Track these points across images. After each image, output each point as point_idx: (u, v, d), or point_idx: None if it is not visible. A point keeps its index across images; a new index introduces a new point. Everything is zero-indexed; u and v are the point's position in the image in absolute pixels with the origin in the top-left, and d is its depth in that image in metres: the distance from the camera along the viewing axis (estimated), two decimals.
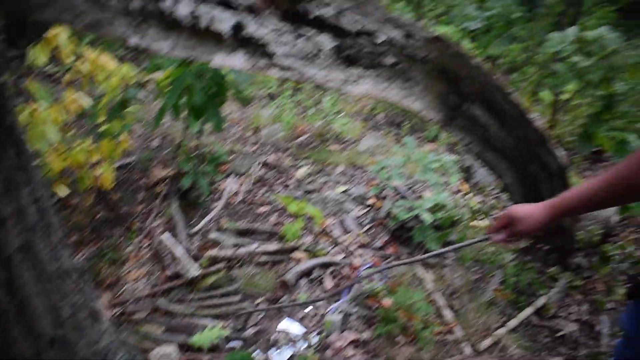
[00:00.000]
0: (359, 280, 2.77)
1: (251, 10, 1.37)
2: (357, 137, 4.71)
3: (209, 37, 1.30)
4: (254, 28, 1.36)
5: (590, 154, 5.40)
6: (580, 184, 1.33)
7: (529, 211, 1.38)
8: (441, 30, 5.44)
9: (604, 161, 4.95)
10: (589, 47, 2.79)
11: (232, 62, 1.35)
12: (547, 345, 2.64)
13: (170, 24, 1.20)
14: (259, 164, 4.10)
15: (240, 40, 1.35)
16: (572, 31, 2.83)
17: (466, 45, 5.64)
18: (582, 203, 1.31)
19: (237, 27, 1.32)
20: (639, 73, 2.96)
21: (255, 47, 1.39)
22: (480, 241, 1.50)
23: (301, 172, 4.03)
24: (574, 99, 4.65)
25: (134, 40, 1.14)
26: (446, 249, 1.82)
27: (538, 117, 2.34)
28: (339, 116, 4.73)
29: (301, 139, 4.64)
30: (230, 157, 4.18)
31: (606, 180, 1.27)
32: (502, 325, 2.66)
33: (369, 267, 2.95)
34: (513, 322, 2.69)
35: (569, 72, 2.96)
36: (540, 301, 2.85)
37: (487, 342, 2.54)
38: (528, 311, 2.78)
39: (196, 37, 1.27)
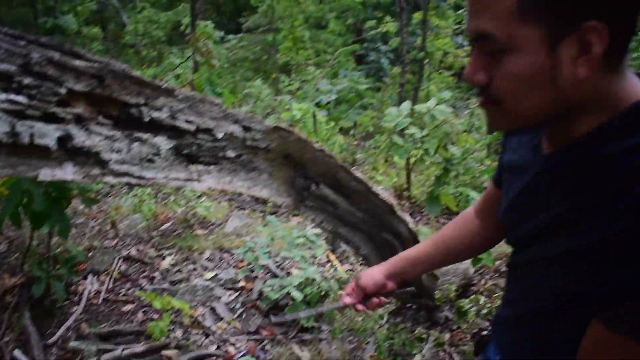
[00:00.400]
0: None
1: (79, 120, 1.34)
2: (223, 219, 4.68)
3: (33, 152, 1.25)
4: (83, 138, 1.33)
5: (446, 208, 5.84)
6: (414, 246, 1.41)
7: (370, 270, 1.41)
8: (297, 106, 5.69)
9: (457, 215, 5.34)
10: (421, 118, 3.07)
11: (61, 174, 1.30)
12: None
13: None
14: (120, 258, 3.91)
15: (68, 151, 1.32)
16: (406, 105, 3.11)
17: (320, 119, 5.93)
18: (410, 262, 1.37)
19: (64, 139, 1.29)
20: (467, 138, 3.30)
21: (87, 157, 1.36)
22: (339, 307, 1.52)
23: (166, 262, 3.89)
24: (420, 164, 5.04)
25: None
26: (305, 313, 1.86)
27: (384, 190, 2.50)
28: (202, 200, 4.69)
29: (164, 227, 4.52)
30: (89, 255, 3.95)
31: (433, 240, 1.36)
32: None
33: (244, 355, 2.88)
34: None
35: (408, 143, 3.22)
36: None
37: None
38: None
39: (18, 154, 1.22)
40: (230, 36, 13.36)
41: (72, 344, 2.92)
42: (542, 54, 0.75)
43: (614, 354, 0.78)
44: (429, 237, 1.39)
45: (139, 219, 4.51)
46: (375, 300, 1.38)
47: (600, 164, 0.79)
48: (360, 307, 1.39)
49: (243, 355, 2.87)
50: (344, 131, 8.65)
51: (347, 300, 1.41)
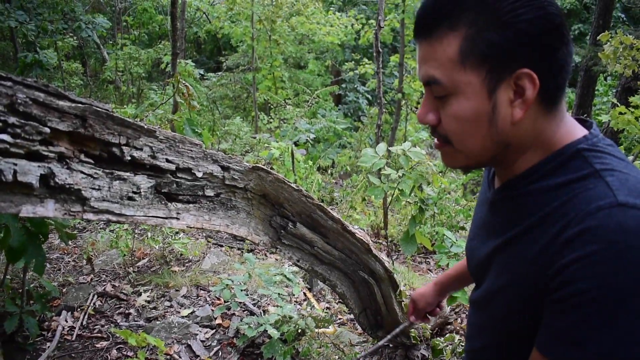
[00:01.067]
0: None
1: (61, 158, 1.38)
2: (200, 256, 4.67)
3: (15, 188, 1.28)
4: (64, 176, 1.36)
5: (423, 248, 5.91)
6: (458, 263, 1.58)
7: (423, 291, 1.70)
8: (275, 145, 5.76)
9: (434, 253, 5.39)
10: (397, 159, 3.15)
11: (42, 211, 1.33)
12: None
13: None
14: (95, 294, 3.87)
15: (50, 188, 1.35)
16: (381, 147, 3.20)
17: (298, 157, 6.01)
18: (452, 279, 1.60)
19: (46, 177, 1.32)
20: (442, 179, 3.38)
21: (68, 194, 1.39)
22: (406, 326, 2.06)
23: (142, 299, 3.86)
24: (397, 205, 5.12)
25: None
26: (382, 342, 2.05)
27: (360, 229, 2.55)
28: (179, 236, 4.68)
29: (141, 263, 4.48)
30: (63, 291, 3.91)
31: (455, 266, 1.56)
32: None
33: None
34: None
35: (385, 183, 3.29)
36: None
37: None
38: None
39: (1, 191, 1.25)
40: (210, 74, 13.53)
41: None
42: (481, 97, 0.84)
43: None
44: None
45: (115, 254, 4.48)
46: (429, 315, 1.79)
47: (530, 199, 0.89)
48: (425, 320, 1.78)
49: None
50: (322, 170, 8.75)
51: (413, 319, 1.76)
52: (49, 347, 3.23)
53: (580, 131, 0.89)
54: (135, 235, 4.71)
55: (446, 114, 0.89)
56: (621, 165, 0.84)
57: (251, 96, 12.08)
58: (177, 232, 4.78)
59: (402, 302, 2.92)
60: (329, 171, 8.47)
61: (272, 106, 11.13)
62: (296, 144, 7.79)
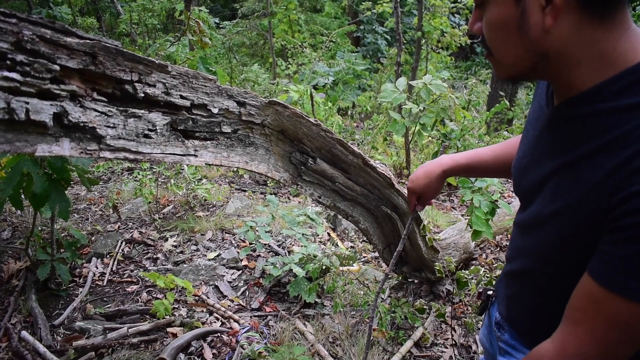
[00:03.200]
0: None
1: (73, 96, 1.36)
2: (223, 201, 4.71)
3: (30, 128, 1.27)
4: (78, 114, 1.35)
5: (446, 185, 5.86)
6: (474, 150, 1.50)
7: (424, 179, 1.56)
8: (294, 88, 5.68)
9: (458, 190, 5.34)
10: (417, 94, 3.08)
11: (58, 150, 1.32)
12: None
13: None
14: (123, 241, 3.95)
15: (65, 127, 1.34)
16: (402, 81, 3.11)
17: (317, 100, 5.93)
18: (468, 161, 1.48)
19: (60, 115, 1.31)
20: (465, 112, 3.30)
21: (83, 133, 1.38)
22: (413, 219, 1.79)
23: (169, 244, 3.93)
24: (419, 140, 5.04)
25: None
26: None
27: (381, 163, 2.51)
28: (202, 182, 4.71)
29: (166, 210, 4.55)
30: (92, 239, 3.99)
31: (493, 149, 1.43)
32: None
33: (248, 331, 2.92)
34: (396, 358, 2.77)
35: (406, 118, 3.22)
36: (418, 333, 2.98)
37: None
38: (408, 344, 2.89)
39: (15, 130, 1.24)
40: (226, 22, 13.29)
41: (79, 324, 2.97)
42: (510, 4, 0.82)
43: (601, 305, 0.81)
44: (491, 147, 1.45)
45: (140, 202, 4.55)
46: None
47: (597, 120, 0.82)
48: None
49: (247, 331, 2.92)
50: (342, 112, 8.65)
51: (420, 208, 1.70)
52: (81, 292, 3.33)
53: None
54: (159, 183, 4.76)
55: (483, 22, 0.89)
56: None
57: (268, 42, 11.87)
58: (200, 179, 4.82)
59: (426, 237, 2.90)
60: (349, 112, 8.37)
61: (289, 51, 10.94)
62: (315, 87, 7.69)
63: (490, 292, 1.37)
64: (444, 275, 3.26)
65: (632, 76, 0.79)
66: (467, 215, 2.84)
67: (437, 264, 3.05)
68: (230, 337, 2.92)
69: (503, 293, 1.22)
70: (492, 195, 2.86)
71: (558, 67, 0.85)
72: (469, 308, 3.27)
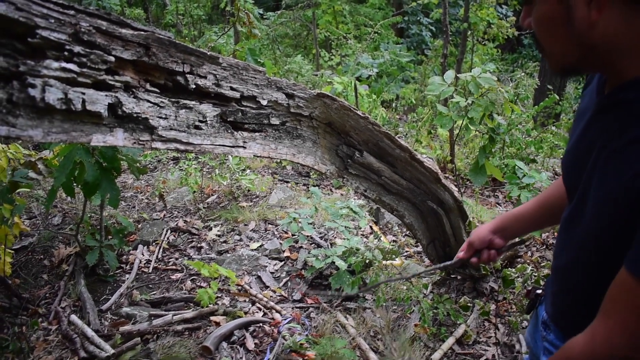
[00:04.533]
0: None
1: (127, 87, 1.38)
2: (266, 191, 4.74)
3: (85, 118, 1.29)
4: (131, 105, 1.36)
5: (491, 181, 5.75)
6: (522, 205, 1.46)
7: (478, 228, 1.51)
8: (337, 80, 5.66)
9: (503, 186, 5.24)
10: (466, 87, 3.01)
11: (112, 140, 1.34)
12: None
13: (41, 110, 1.18)
14: (168, 230, 4.02)
15: (119, 117, 1.36)
16: (449, 74, 3.05)
17: (362, 92, 5.89)
18: (514, 219, 1.43)
19: (114, 106, 1.33)
20: (513, 106, 3.21)
21: (136, 123, 1.40)
22: (454, 263, 1.64)
23: (213, 233, 3.98)
24: (465, 135, 4.95)
25: (2, 132, 1.12)
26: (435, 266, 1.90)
27: (428, 158, 2.47)
28: (246, 173, 4.76)
29: (210, 199, 4.61)
30: (139, 226, 4.08)
31: (538, 199, 1.40)
32: (427, 359, 2.71)
33: (290, 322, 2.94)
34: (437, 355, 2.74)
35: (453, 112, 3.16)
36: (460, 330, 2.93)
37: None
38: (450, 341, 2.85)
39: (72, 120, 1.26)
40: (270, 13, 13.33)
41: (125, 309, 3.05)
42: (554, 1, 0.84)
43: (630, 294, 0.81)
44: (536, 196, 1.42)
45: (185, 192, 4.63)
46: (484, 254, 1.47)
47: (623, 107, 0.83)
48: (473, 260, 1.50)
49: (289, 322, 2.93)
50: (386, 104, 8.57)
51: (461, 254, 1.54)
52: (127, 278, 3.41)
53: None
54: (204, 173, 4.82)
55: (532, 18, 0.92)
56: None
57: (311, 34, 11.87)
58: (244, 169, 4.86)
59: None
60: (394, 104, 8.29)
61: (333, 43, 10.90)
62: (359, 79, 7.64)
63: (539, 291, 1.35)
64: (488, 273, 3.20)
65: None
66: None
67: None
68: (272, 327, 2.94)
69: (549, 290, 1.21)
70: (540, 192, 2.77)
71: (608, 58, 0.85)
72: (514, 306, 3.19)
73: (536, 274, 2.98)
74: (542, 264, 3.18)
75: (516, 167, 3.52)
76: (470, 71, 3.13)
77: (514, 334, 2.95)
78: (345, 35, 10.30)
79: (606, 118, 0.90)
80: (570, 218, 1.03)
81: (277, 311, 3.08)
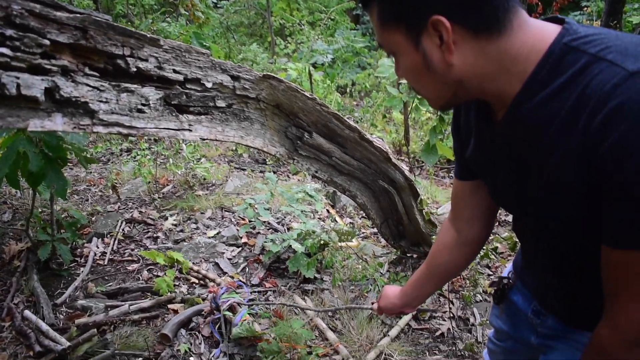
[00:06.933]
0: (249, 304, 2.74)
1: (65, 71, 1.36)
2: (223, 179, 4.72)
3: (21, 103, 1.27)
4: (70, 89, 1.34)
5: (446, 162, 5.86)
6: (415, 271, 1.51)
7: (390, 294, 1.57)
8: (292, 66, 5.65)
9: None
10: None
11: (51, 125, 1.32)
12: (428, 346, 2.77)
13: None
14: (123, 221, 3.96)
15: (57, 102, 1.34)
16: None
17: (316, 77, 5.90)
18: (415, 289, 1.49)
19: (51, 90, 1.31)
20: None
21: (75, 108, 1.38)
22: (365, 308, 1.87)
23: (169, 223, 3.95)
24: (418, 117, 5.02)
25: None
26: (335, 307, 2.00)
27: (377, 138, 2.51)
28: (201, 162, 4.72)
29: (165, 189, 4.56)
30: (93, 219, 4.01)
31: (426, 265, 1.45)
32: (384, 336, 2.76)
33: (225, 292, 2.91)
34: (394, 331, 2.80)
35: (404, 93, 3.21)
36: None
37: (372, 355, 2.62)
38: (406, 318, 2.91)
39: (7, 105, 1.24)
40: (224, 1, 13.15)
41: (80, 302, 3.00)
42: (411, 51, 0.88)
43: (624, 269, 0.83)
44: (424, 263, 1.47)
45: (139, 183, 4.56)
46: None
47: (542, 110, 0.85)
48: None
49: (225, 292, 2.89)
50: (341, 90, 8.60)
51: (374, 307, 1.65)
52: (82, 271, 3.35)
53: (553, 28, 0.85)
54: (158, 163, 4.76)
55: (397, 69, 0.98)
56: (611, 36, 0.80)
57: (266, 21, 11.77)
58: (199, 158, 4.82)
59: (423, 211, 2.91)
60: (349, 90, 8.33)
61: (288, 30, 10.84)
62: (314, 65, 7.64)
63: (506, 281, 1.38)
64: None
65: (551, 58, 0.83)
66: None
67: (434, 238, 3.06)
68: (210, 293, 2.93)
69: (535, 286, 1.25)
70: None
71: (480, 86, 0.89)
72: (467, 282, 3.29)
73: (485, 248, 3.07)
74: (492, 238, 3.27)
75: None
76: None
77: (468, 308, 3.04)
78: (299, 22, 10.27)
79: (516, 139, 0.93)
80: (526, 226, 1.10)
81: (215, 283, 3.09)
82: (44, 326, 2.76)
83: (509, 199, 1.08)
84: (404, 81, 3.27)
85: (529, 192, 0.95)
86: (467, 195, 1.27)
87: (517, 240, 1.24)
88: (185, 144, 5.01)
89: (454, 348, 2.74)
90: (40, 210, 3.75)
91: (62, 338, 2.67)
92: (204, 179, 4.66)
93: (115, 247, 3.66)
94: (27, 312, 2.88)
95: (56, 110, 1.34)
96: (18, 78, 1.24)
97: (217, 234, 3.81)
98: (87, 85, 1.41)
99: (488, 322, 2.90)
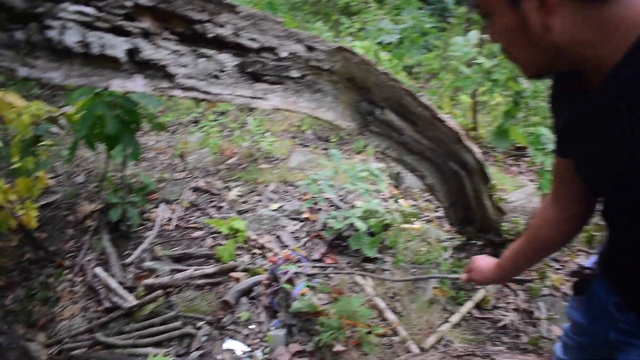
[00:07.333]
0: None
1: (146, 34, 1.37)
2: (286, 154, 4.74)
3: (104, 63, 1.29)
4: (150, 51, 1.35)
5: (514, 149, 5.65)
6: (512, 245, 1.47)
7: (483, 266, 1.56)
8: (359, 45, 5.57)
9: (527, 156, 5.15)
10: (491, 49, 2.93)
11: (131, 85, 1.34)
12: (490, 336, 2.70)
13: (60, 52, 1.18)
14: (189, 189, 4.06)
15: (137, 64, 1.35)
16: (473, 35, 2.97)
17: (383, 57, 5.79)
18: (512, 262, 1.47)
19: (133, 52, 1.32)
20: None
21: (155, 70, 1.39)
22: (449, 278, 1.69)
23: (233, 194, 4.01)
24: (490, 100, 4.85)
25: (22, 73, 1.12)
26: (416, 277, 1.97)
27: (450, 117, 2.43)
28: (266, 135, 4.75)
29: (230, 161, 4.63)
30: (160, 185, 4.13)
31: (525, 239, 1.40)
32: (445, 322, 2.71)
33: (284, 264, 2.91)
34: (455, 318, 2.74)
35: (477, 74, 3.09)
36: (479, 294, 2.92)
37: (431, 340, 2.58)
38: (469, 305, 2.84)
39: (91, 65, 1.26)
40: None
41: (147, 264, 3.11)
42: (509, 12, 0.87)
43: None
44: (522, 235, 1.43)
45: (205, 153, 4.65)
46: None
47: (627, 89, 0.84)
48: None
49: (283, 264, 2.89)
50: (408, 69, 8.42)
51: (463, 277, 1.65)
52: (150, 235, 3.47)
53: None
54: (224, 135, 4.83)
55: (493, 32, 0.96)
56: None
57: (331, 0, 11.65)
58: (264, 132, 4.85)
59: (493, 197, 2.81)
60: (415, 69, 8.15)
61: (354, 8, 10.68)
62: (380, 45, 7.51)
63: (588, 271, 1.31)
64: (510, 238, 3.16)
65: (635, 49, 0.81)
66: (536, 180, 2.72)
67: (504, 224, 2.96)
68: (269, 262, 2.95)
69: (624, 280, 1.18)
70: None
71: (579, 53, 0.87)
72: (534, 273, 3.17)
73: None
74: None
75: (540, 133, 3.44)
76: None
77: (533, 301, 2.93)
78: (366, 0, 10.10)
79: (616, 111, 0.89)
80: (619, 214, 1.05)
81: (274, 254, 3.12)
82: (113, 284, 2.88)
83: (603, 176, 1.02)
84: (477, 61, 3.15)
85: (627, 165, 0.91)
86: (569, 173, 1.20)
87: (607, 228, 1.15)
88: (252, 118, 5.05)
89: (517, 341, 2.65)
90: (111, 174, 3.88)
91: (130, 296, 2.79)
92: (268, 153, 4.69)
93: (181, 214, 3.76)
94: (98, 270, 3.01)
95: (137, 72, 1.36)
96: (102, 38, 1.26)
97: (280, 207, 3.83)
98: (167, 48, 1.41)
99: (557, 316, 2.80)
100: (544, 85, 5.19)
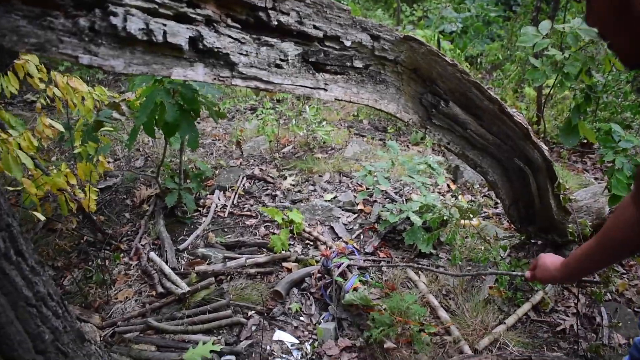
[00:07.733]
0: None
1: (208, 22, 1.34)
2: (342, 144, 4.69)
3: (166, 51, 1.26)
4: (212, 39, 1.32)
5: (579, 146, 5.40)
6: (583, 245, 1.38)
7: (550, 264, 1.49)
8: (420, 33, 5.43)
9: (592, 153, 4.92)
10: (563, 40, 2.77)
11: (192, 75, 1.31)
12: (547, 340, 2.58)
13: (123, 40, 1.16)
14: (244, 177, 4.07)
15: (199, 52, 1.32)
16: (545, 25, 2.82)
17: (445, 46, 5.63)
18: (581, 263, 1.38)
19: (195, 40, 1.29)
20: (615, 62, 2.94)
21: (216, 59, 1.36)
22: (515, 275, 1.83)
23: (287, 182, 4.00)
24: (558, 93, 4.63)
25: (85, 60, 1.11)
26: (474, 273, 1.90)
27: (518, 112, 2.31)
28: (322, 125, 4.71)
29: (286, 149, 4.62)
30: (216, 172, 4.16)
31: (598, 239, 1.30)
32: (500, 323, 2.61)
33: (336, 257, 2.87)
34: (511, 319, 2.64)
35: (546, 66, 2.94)
36: (537, 296, 2.80)
37: (485, 341, 2.49)
38: (526, 307, 2.73)
39: (153, 52, 1.24)
40: None
41: (201, 250, 3.14)
42: None
43: None
44: (594, 237, 1.33)
45: (261, 141, 4.66)
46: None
47: None
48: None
49: (336, 257, 2.85)
50: (470, 61, 8.19)
51: (527, 274, 1.59)
52: (204, 221, 3.50)
53: None
54: (281, 123, 4.83)
55: (587, 14, 0.92)
56: None
57: None
58: (320, 121, 4.82)
59: (560, 196, 2.67)
60: (478, 60, 7.90)
61: None
62: (442, 34, 7.32)
63: None
64: (573, 239, 3.01)
65: None
66: (603, 179, 2.56)
67: (570, 226, 2.81)
68: (322, 257, 2.91)
69: None
70: (638, 157, 2.55)
71: None
72: (597, 276, 3.01)
73: None
74: None
75: (612, 130, 3.25)
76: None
77: (595, 306, 2.78)
78: None
79: None
80: None
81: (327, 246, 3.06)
82: (167, 269, 2.92)
83: None
84: (548, 52, 2.99)
85: None
86: None
87: None
88: (308, 106, 5.02)
89: (576, 347, 2.53)
90: (169, 160, 3.94)
91: (183, 282, 2.82)
92: (324, 142, 4.65)
93: (235, 201, 3.78)
94: (153, 254, 3.06)
95: (198, 60, 1.33)
96: (165, 25, 1.23)
97: (334, 198, 3.80)
98: (229, 36, 1.38)
99: (620, 323, 2.65)
100: (616, 80, 4.93)
